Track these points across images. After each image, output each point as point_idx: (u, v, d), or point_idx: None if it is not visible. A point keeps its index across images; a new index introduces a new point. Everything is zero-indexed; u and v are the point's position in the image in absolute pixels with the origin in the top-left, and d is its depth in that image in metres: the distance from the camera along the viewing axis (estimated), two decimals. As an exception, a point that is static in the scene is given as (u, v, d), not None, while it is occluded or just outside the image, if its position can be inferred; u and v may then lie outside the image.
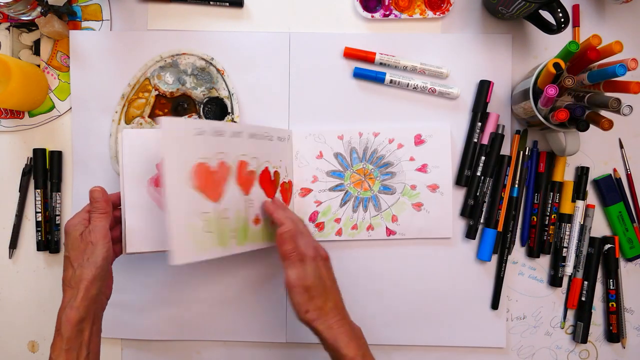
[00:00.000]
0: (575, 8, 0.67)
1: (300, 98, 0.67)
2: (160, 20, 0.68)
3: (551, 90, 0.53)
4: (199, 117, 0.66)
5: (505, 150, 0.66)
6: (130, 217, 0.57)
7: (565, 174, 0.67)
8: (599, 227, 0.68)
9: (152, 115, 0.66)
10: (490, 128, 0.66)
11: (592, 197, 0.68)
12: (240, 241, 0.57)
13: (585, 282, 0.66)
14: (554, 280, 0.66)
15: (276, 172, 0.63)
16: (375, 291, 0.67)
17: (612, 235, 0.67)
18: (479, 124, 0.65)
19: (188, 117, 0.66)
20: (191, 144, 0.52)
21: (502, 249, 0.66)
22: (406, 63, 0.66)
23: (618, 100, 0.51)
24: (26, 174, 0.68)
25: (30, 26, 0.68)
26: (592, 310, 0.67)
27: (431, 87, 0.66)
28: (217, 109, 0.67)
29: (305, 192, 0.66)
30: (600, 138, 0.67)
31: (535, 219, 0.66)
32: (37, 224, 0.67)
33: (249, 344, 0.68)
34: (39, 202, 0.67)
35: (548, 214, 0.66)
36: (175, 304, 0.67)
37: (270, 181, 0.63)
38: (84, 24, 0.68)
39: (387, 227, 0.66)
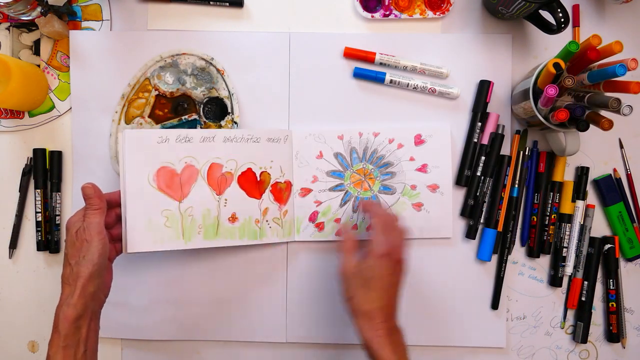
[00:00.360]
0: (575, 8, 0.67)
1: (300, 98, 0.67)
2: (160, 20, 0.68)
3: (551, 90, 0.53)
4: (199, 117, 0.66)
5: (505, 150, 0.66)
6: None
7: (565, 174, 0.67)
8: (599, 227, 0.68)
9: (152, 115, 0.66)
10: (490, 128, 0.66)
11: (592, 197, 0.68)
12: (209, 236, 0.61)
13: (585, 282, 0.66)
14: (554, 280, 0.66)
15: (264, 173, 0.64)
16: (375, 291, 0.67)
17: (612, 235, 0.67)
18: (479, 124, 0.65)
19: (188, 117, 0.66)
20: (154, 151, 0.59)
21: (502, 249, 0.66)
22: (406, 63, 0.66)
23: (618, 100, 0.51)
24: (26, 174, 0.68)
25: (30, 26, 0.68)
26: (592, 310, 0.67)
27: (431, 87, 0.66)
28: (217, 109, 0.67)
29: (305, 192, 0.66)
30: (600, 138, 0.67)
31: (535, 219, 0.66)
32: (37, 224, 0.67)
33: (249, 344, 0.68)
34: (39, 202, 0.67)
35: (548, 214, 0.66)
36: (175, 304, 0.67)
37: (254, 182, 0.64)
38: (84, 24, 0.68)
39: None
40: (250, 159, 0.64)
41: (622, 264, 0.67)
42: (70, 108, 0.68)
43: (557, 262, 0.66)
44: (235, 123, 0.66)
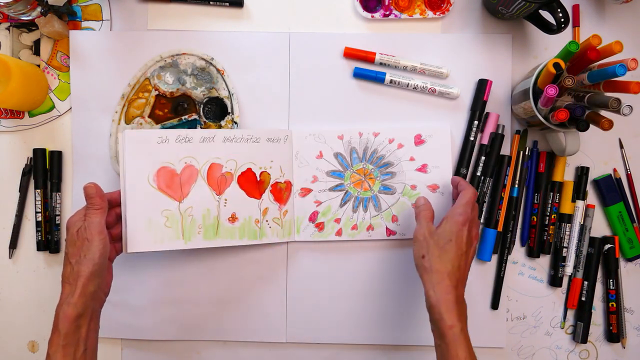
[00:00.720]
0: (575, 8, 0.67)
1: (300, 98, 0.67)
2: (160, 20, 0.68)
3: (551, 90, 0.53)
4: (199, 117, 0.66)
5: (505, 150, 0.66)
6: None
7: (565, 174, 0.67)
8: (599, 227, 0.68)
9: (152, 115, 0.66)
10: (490, 128, 0.66)
11: (592, 197, 0.68)
12: (209, 236, 0.62)
13: (585, 282, 0.66)
14: (554, 280, 0.66)
15: (264, 173, 0.64)
16: (375, 291, 0.67)
17: (612, 235, 0.67)
18: (476, 122, 0.65)
19: (188, 117, 0.66)
20: (154, 151, 0.59)
21: (502, 249, 0.66)
22: (406, 63, 0.66)
23: (618, 100, 0.51)
24: (26, 174, 0.68)
25: (30, 26, 0.68)
26: (592, 310, 0.67)
27: (431, 87, 0.66)
28: (217, 109, 0.67)
29: (305, 192, 0.66)
30: (600, 138, 0.67)
31: (535, 219, 0.66)
32: (37, 224, 0.67)
33: (249, 344, 0.68)
34: (39, 202, 0.67)
35: (548, 214, 0.66)
36: (175, 304, 0.67)
37: (254, 182, 0.64)
38: (84, 24, 0.68)
39: (387, 228, 0.66)
40: (250, 159, 0.64)
41: (622, 264, 0.67)
42: (70, 108, 0.68)
43: (557, 262, 0.66)
44: (235, 123, 0.66)
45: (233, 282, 0.67)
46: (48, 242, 0.67)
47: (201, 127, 0.66)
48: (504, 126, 0.66)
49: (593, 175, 0.67)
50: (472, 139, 0.65)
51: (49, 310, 0.68)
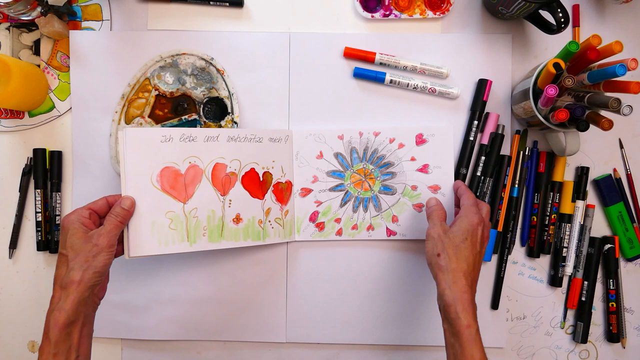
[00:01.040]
0: (575, 8, 0.67)
1: (300, 98, 0.67)
2: (160, 20, 0.68)
3: (551, 90, 0.53)
4: (199, 117, 0.66)
5: (505, 150, 0.66)
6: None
7: (565, 174, 0.67)
8: (599, 227, 0.68)
9: (152, 115, 0.66)
10: (490, 128, 0.66)
11: (592, 197, 0.68)
12: (214, 238, 0.60)
13: (585, 282, 0.66)
14: (554, 280, 0.66)
15: (266, 173, 0.64)
16: (375, 291, 0.67)
17: (612, 235, 0.67)
18: (476, 122, 0.65)
19: (188, 117, 0.66)
20: (157, 151, 0.57)
21: (502, 249, 0.66)
22: (406, 63, 0.66)
23: (618, 100, 0.51)
24: (26, 174, 0.68)
25: (30, 26, 0.68)
26: (592, 310, 0.67)
27: (431, 87, 0.66)
28: (217, 109, 0.67)
29: (306, 192, 0.66)
30: (600, 138, 0.67)
31: (535, 219, 0.66)
32: (37, 224, 0.67)
33: (249, 344, 0.68)
34: (39, 202, 0.67)
35: (548, 214, 0.66)
36: (175, 304, 0.67)
37: (257, 182, 0.63)
38: (84, 24, 0.68)
39: (387, 228, 0.66)
40: (253, 158, 0.63)
41: (622, 264, 0.67)
42: (70, 108, 0.68)
43: (557, 262, 0.66)
44: (235, 123, 0.66)
45: (233, 282, 0.67)
46: (48, 242, 0.67)
47: (201, 127, 0.66)
48: (504, 126, 0.66)
49: (593, 175, 0.67)
50: (472, 139, 0.65)
51: (49, 310, 0.68)
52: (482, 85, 0.65)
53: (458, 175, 0.66)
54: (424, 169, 0.66)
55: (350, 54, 0.66)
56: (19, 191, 0.68)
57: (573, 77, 0.52)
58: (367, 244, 0.67)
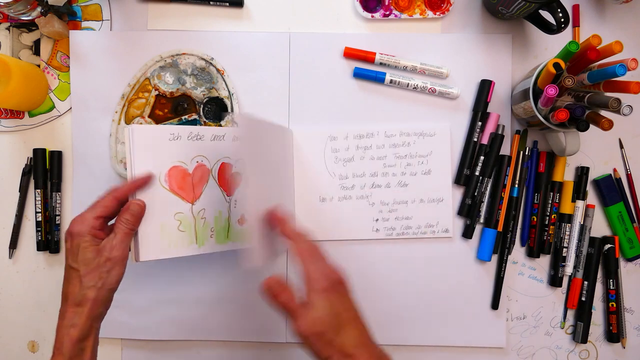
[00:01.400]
0: (575, 8, 0.67)
1: (300, 98, 0.67)
2: (160, 20, 0.68)
3: (551, 90, 0.53)
4: (199, 116, 0.66)
5: (505, 150, 0.66)
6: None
7: (565, 174, 0.67)
8: (599, 227, 0.68)
9: (152, 115, 0.66)
10: (490, 128, 0.66)
11: (592, 197, 0.68)
12: (221, 240, 0.60)
13: (585, 282, 0.66)
14: (554, 280, 0.66)
15: None
16: (375, 291, 0.67)
17: (612, 235, 0.67)
18: (479, 123, 0.65)
19: (188, 117, 0.66)
20: (165, 149, 0.55)
21: (502, 249, 0.66)
22: (406, 63, 0.66)
23: (618, 100, 0.51)
24: (26, 174, 0.68)
25: (30, 26, 0.68)
26: (592, 310, 0.67)
27: (431, 87, 0.66)
28: (217, 109, 0.67)
29: (305, 192, 0.66)
30: (600, 138, 0.67)
31: (535, 219, 0.66)
32: (37, 224, 0.67)
33: (249, 344, 0.68)
34: (39, 202, 0.67)
35: (548, 214, 0.66)
36: (175, 304, 0.67)
37: None
38: (84, 24, 0.68)
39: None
40: None
41: (622, 264, 0.67)
42: (70, 108, 0.68)
43: (557, 262, 0.66)
44: (235, 123, 0.66)
45: (233, 282, 0.67)
46: (48, 242, 0.67)
47: (201, 127, 0.66)
48: (504, 126, 0.66)
49: (593, 175, 0.67)
50: (475, 139, 0.65)
51: (49, 310, 0.68)
52: (485, 86, 0.65)
53: (461, 175, 0.66)
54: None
55: (350, 54, 0.66)
56: (19, 191, 0.68)
57: (573, 77, 0.52)
58: (367, 243, 0.67)
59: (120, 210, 0.52)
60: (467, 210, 0.66)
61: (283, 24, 0.68)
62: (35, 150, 0.67)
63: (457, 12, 0.67)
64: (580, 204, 0.66)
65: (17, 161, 0.68)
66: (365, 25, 0.67)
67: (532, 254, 0.67)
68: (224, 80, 0.66)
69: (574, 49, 0.53)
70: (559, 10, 0.59)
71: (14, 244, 0.68)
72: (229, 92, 0.66)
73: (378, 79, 0.66)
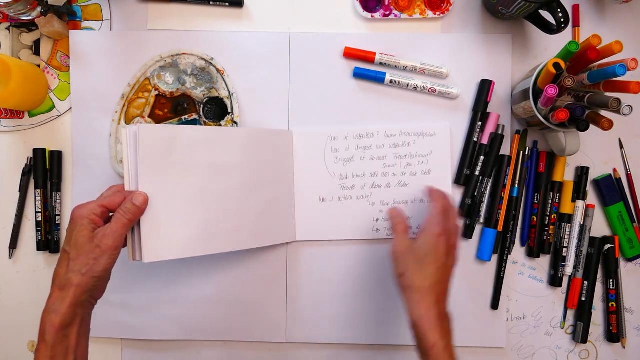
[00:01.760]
0: (575, 8, 0.67)
1: (300, 98, 0.67)
2: (160, 20, 0.68)
3: (551, 90, 0.53)
4: (199, 117, 0.66)
5: (505, 150, 0.66)
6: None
7: (565, 174, 0.67)
8: (599, 227, 0.68)
9: (152, 115, 0.66)
10: (490, 128, 0.66)
11: (592, 197, 0.68)
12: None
13: (585, 282, 0.66)
14: (554, 280, 0.66)
15: None
16: (375, 291, 0.67)
17: (612, 235, 0.67)
18: (479, 123, 0.65)
19: (188, 117, 0.66)
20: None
21: (502, 249, 0.66)
22: (406, 63, 0.66)
23: (618, 100, 0.51)
24: (26, 174, 0.68)
25: (30, 26, 0.68)
26: (592, 310, 0.67)
27: (431, 87, 0.66)
28: (217, 109, 0.67)
29: (305, 192, 0.66)
30: (600, 138, 0.67)
31: (535, 219, 0.66)
32: (37, 224, 0.67)
33: (249, 344, 0.68)
34: (39, 202, 0.67)
35: (548, 214, 0.66)
36: (175, 304, 0.67)
37: None
38: (84, 24, 0.68)
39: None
40: None
41: (622, 264, 0.67)
42: (70, 108, 0.68)
43: (557, 262, 0.66)
44: (235, 123, 0.66)
45: (233, 282, 0.67)
46: (48, 242, 0.67)
47: (201, 127, 0.66)
48: (504, 126, 0.66)
49: (593, 175, 0.67)
50: (475, 140, 0.65)
51: (49, 310, 0.68)
52: (485, 86, 0.65)
53: (461, 175, 0.66)
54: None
55: (350, 54, 0.66)
56: (19, 191, 0.68)
57: (573, 77, 0.52)
58: (367, 243, 0.67)
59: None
60: (467, 210, 0.66)
61: (283, 24, 0.68)
62: (35, 150, 0.67)
63: (457, 12, 0.67)
64: (580, 204, 0.66)
65: (17, 161, 0.68)
66: (365, 25, 0.67)
67: (532, 254, 0.67)
68: (224, 80, 0.66)
69: (574, 49, 0.53)
70: (559, 10, 0.59)
71: (14, 244, 0.68)
72: (229, 92, 0.66)
73: (378, 79, 0.66)
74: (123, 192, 0.52)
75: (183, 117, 0.66)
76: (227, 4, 0.67)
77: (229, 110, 0.66)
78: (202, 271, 0.67)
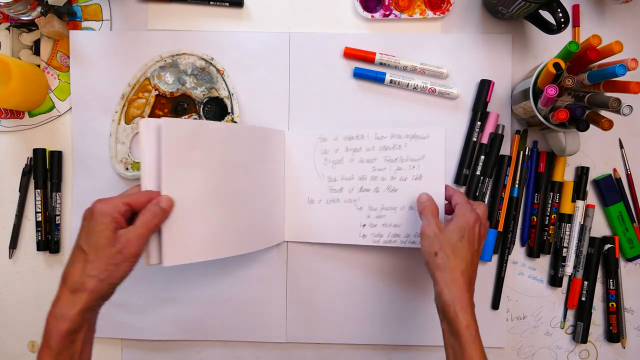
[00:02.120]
0: (575, 8, 0.67)
1: (300, 98, 0.67)
2: (160, 20, 0.68)
3: (551, 90, 0.53)
4: (199, 117, 0.66)
5: (505, 150, 0.66)
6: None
7: (565, 174, 0.67)
8: (599, 227, 0.68)
9: (152, 115, 0.66)
10: (490, 128, 0.66)
11: (592, 197, 0.68)
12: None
13: (585, 282, 0.66)
14: (554, 280, 0.66)
15: None
16: (375, 291, 0.67)
17: (612, 235, 0.67)
18: (479, 123, 0.65)
19: (188, 117, 0.66)
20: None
21: (502, 249, 0.66)
22: (406, 63, 0.66)
23: (618, 100, 0.51)
24: (26, 174, 0.68)
25: (30, 26, 0.68)
26: (592, 310, 0.67)
27: (431, 87, 0.66)
28: (217, 109, 0.67)
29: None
30: (600, 138, 0.67)
31: (535, 219, 0.66)
32: (37, 224, 0.67)
33: (249, 344, 0.68)
34: (39, 202, 0.67)
35: (548, 214, 0.66)
36: (175, 304, 0.67)
37: None
38: (84, 24, 0.68)
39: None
40: None
41: (622, 264, 0.67)
42: (70, 108, 0.68)
43: (557, 262, 0.66)
44: (235, 123, 0.66)
45: (233, 282, 0.67)
46: (48, 242, 0.67)
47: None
48: (504, 126, 0.66)
49: (593, 175, 0.67)
50: (474, 139, 0.65)
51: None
52: (485, 86, 0.65)
53: (460, 175, 0.66)
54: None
55: (350, 54, 0.66)
56: (19, 191, 0.68)
57: (573, 77, 0.52)
58: (361, 244, 0.67)
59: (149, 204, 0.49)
60: (467, 210, 0.66)
61: (283, 24, 0.68)
62: (35, 150, 0.67)
63: (457, 12, 0.67)
64: (580, 204, 0.66)
65: (17, 161, 0.68)
66: (365, 25, 0.67)
67: (532, 254, 0.67)
68: (224, 80, 0.66)
69: (574, 49, 0.53)
70: (559, 10, 0.59)
71: (14, 244, 0.68)
72: (229, 92, 0.66)
73: (378, 79, 0.66)
74: (148, 192, 0.49)
75: (183, 117, 0.66)
76: (227, 4, 0.67)
77: (229, 110, 0.66)
78: (201, 271, 0.67)
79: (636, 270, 0.68)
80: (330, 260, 0.67)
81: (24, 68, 0.64)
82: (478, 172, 0.65)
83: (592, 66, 0.56)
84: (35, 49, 0.68)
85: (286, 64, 0.67)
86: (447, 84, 0.66)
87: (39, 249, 0.67)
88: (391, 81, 0.66)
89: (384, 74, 0.66)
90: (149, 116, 0.66)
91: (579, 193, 0.66)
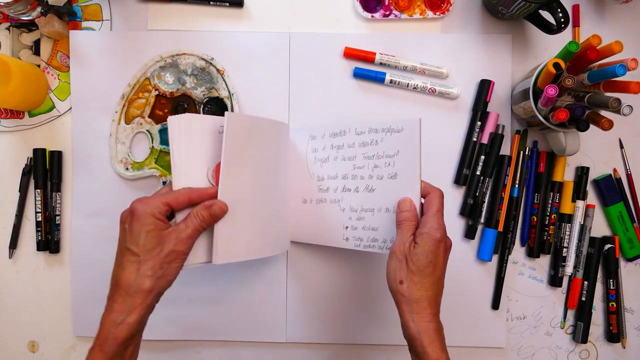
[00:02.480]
0: (575, 8, 0.67)
1: (300, 98, 0.67)
2: (160, 20, 0.68)
3: (551, 90, 0.53)
4: (199, 117, 0.66)
5: (505, 150, 0.66)
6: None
7: (565, 174, 0.67)
8: (599, 227, 0.68)
9: (152, 115, 0.66)
10: (490, 128, 0.66)
11: (592, 197, 0.68)
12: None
13: (585, 282, 0.66)
14: (554, 280, 0.66)
15: None
16: (376, 291, 0.67)
17: (612, 235, 0.67)
18: (479, 123, 0.65)
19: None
20: (212, 142, 0.52)
21: (502, 249, 0.66)
22: (406, 63, 0.66)
23: (618, 100, 0.51)
24: (26, 174, 0.68)
25: (30, 26, 0.68)
26: (592, 310, 0.67)
27: (431, 87, 0.66)
28: (217, 109, 0.67)
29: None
30: (600, 138, 0.67)
31: (535, 219, 0.66)
32: (37, 224, 0.67)
33: (249, 344, 0.68)
34: (39, 202, 0.67)
35: (548, 214, 0.66)
36: (175, 304, 0.67)
37: None
38: (84, 24, 0.68)
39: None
40: None
41: (622, 264, 0.67)
42: (70, 108, 0.68)
43: (557, 262, 0.66)
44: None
45: (233, 282, 0.67)
46: (48, 242, 0.67)
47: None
48: (504, 126, 0.66)
49: (593, 175, 0.67)
50: (474, 139, 0.65)
51: (49, 310, 0.68)
52: (485, 86, 0.65)
53: (460, 175, 0.66)
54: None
55: (350, 54, 0.66)
56: (19, 191, 0.68)
57: (573, 77, 0.52)
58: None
59: (197, 205, 0.48)
60: (469, 211, 0.66)
61: (283, 24, 0.68)
62: (35, 150, 0.67)
63: (457, 12, 0.67)
64: (580, 204, 0.66)
65: (17, 161, 0.68)
66: (365, 25, 0.67)
67: (532, 254, 0.67)
68: (224, 80, 0.66)
69: (574, 49, 0.53)
70: (559, 10, 0.59)
71: (14, 244, 0.68)
72: (229, 92, 0.66)
73: (378, 79, 0.66)
74: (191, 197, 0.49)
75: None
76: (227, 4, 0.67)
77: (229, 110, 0.66)
78: (202, 271, 0.67)
79: (636, 270, 0.68)
80: (330, 261, 0.67)
81: (24, 68, 0.64)
82: (478, 172, 0.65)
83: (592, 66, 0.56)
84: (35, 49, 0.68)
85: (286, 64, 0.67)
86: (447, 84, 0.66)
87: (39, 249, 0.67)
88: (391, 81, 0.66)
89: (384, 74, 0.66)
90: (149, 116, 0.66)
91: (579, 193, 0.66)
